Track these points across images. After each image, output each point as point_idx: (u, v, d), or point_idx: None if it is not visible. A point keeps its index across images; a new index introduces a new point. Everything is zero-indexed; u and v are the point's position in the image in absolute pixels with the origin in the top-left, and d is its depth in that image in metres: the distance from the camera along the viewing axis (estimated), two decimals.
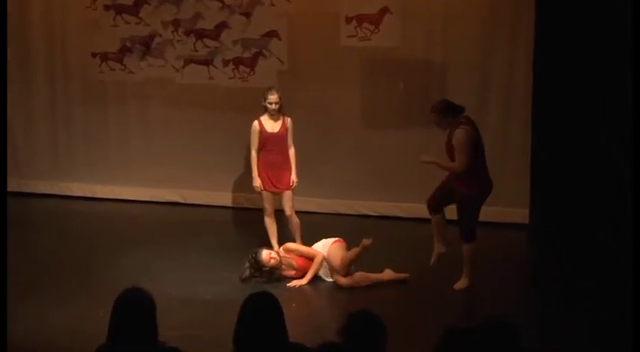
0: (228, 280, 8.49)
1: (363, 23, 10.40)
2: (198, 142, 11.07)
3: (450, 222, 8.42)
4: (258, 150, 9.06)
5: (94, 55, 11.31)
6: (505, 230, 9.89)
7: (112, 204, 11.35)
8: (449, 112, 8.11)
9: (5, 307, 6.50)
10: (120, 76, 11.28)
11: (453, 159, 8.09)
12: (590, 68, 9.31)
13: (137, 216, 10.91)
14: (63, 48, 11.44)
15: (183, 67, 11.07)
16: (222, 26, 10.86)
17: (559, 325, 7.42)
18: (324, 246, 8.68)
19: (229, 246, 9.61)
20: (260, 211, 9.30)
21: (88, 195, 11.54)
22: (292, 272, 8.69)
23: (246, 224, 10.28)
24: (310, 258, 8.65)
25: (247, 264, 8.51)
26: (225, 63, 10.92)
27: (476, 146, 8.08)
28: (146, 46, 11.14)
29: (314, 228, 9.43)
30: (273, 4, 10.66)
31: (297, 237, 9.16)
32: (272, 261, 8.53)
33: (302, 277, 8.62)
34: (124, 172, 11.41)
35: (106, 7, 11.17)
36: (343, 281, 8.49)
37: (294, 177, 9.13)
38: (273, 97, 8.99)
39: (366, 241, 8.36)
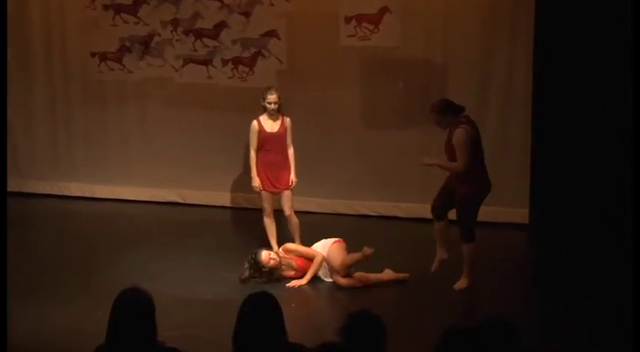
0: (227, 280, 8.49)
1: (362, 23, 10.39)
2: (197, 142, 11.06)
3: (449, 222, 8.41)
4: (257, 150, 9.05)
5: (93, 54, 11.31)
6: (505, 230, 9.89)
7: (112, 204, 11.35)
8: (449, 112, 8.10)
9: (5, 307, 6.49)
10: (119, 75, 11.27)
11: (452, 159, 8.08)
12: (590, 68, 9.31)
13: (136, 216, 10.90)
14: (62, 48, 11.43)
15: (183, 66, 11.06)
16: (221, 26, 10.85)
17: (559, 325, 7.42)
18: (324, 247, 8.67)
19: (229, 246, 9.60)
20: (259, 211, 9.29)
21: (88, 195, 11.53)
22: (292, 273, 8.68)
23: (246, 224, 10.26)
24: (310, 259, 8.64)
25: (247, 265, 8.50)
26: (225, 62, 10.91)
27: (476, 146, 8.07)
28: (145, 45, 11.13)
29: (313, 228, 9.42)
30: (272, 4, 10.65)
31: (297, 237, 9.15)
32: (271, 262, 8.52)
33: (301, 277, 8.61)
34: (124, 172, 11.40)
35: (105, 7, 11.17)
36: (343, 281, 8.48)
37: (293, 177, 9.12)
38: (272, 97, 8.98)
39: (367, 250, 8.34)
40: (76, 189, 11.61)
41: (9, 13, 10.50)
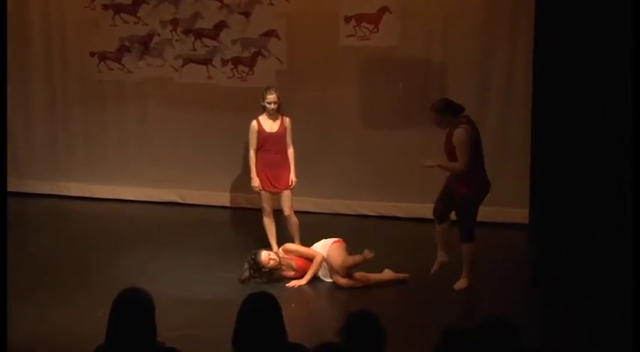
0: (227, 280, 8.48)
1: (362, 23, 10.38)
2: (197, 142, 11.06)
3: (451, 222, 8.41)
4: (257, 150, 9.05)
5: (92, 54, 11.30)
6: (505, 230, 9.88)
7: (111, 204, 11.34)
8: (449, 111, 8.09)
9: (5, 307, 6.48)
10: (118, 75, 11.27)
11: (452, 159, 8.07)
12: (590, 68, 9.30)
13: (135, 216, 10.90)
14: (62, 48, 11.43)
15: (182, 66, 11.06)
16: (221, 26, 10.84)
17: (559, 325, 7.41)
18: (324, 247, 8.66)
19: (228, 246, 9.59)
20: (259, 211, 9.28)
21: (87, 195, 11.53)
22: (291, 273, 8.67)
23: (245, 224, 10.26)
24: (310, 259, 8.63)
25: (246, 265, 8.50)
26: (224, 62, 10.91)
27: (476, 146, 8.06)
28: (145, 45, 11.13)
29: (313, 228, 9.41)
30: (272, 4, 10.64)
31: (296, 237, 9.14)
32: (271, 262, 8.52)
33: (301, 277, 8.60)
34: (123, 172, 11.39)
35: (105, 7, 11.16)
36: (342, 281, 8.47)
37: (292, 176, 9.11)
38: (271, 97, 8.97)
39: (368, 254, 8.33)
40: (75, 189, 11.60)
41: (9, 13, 10.51)
